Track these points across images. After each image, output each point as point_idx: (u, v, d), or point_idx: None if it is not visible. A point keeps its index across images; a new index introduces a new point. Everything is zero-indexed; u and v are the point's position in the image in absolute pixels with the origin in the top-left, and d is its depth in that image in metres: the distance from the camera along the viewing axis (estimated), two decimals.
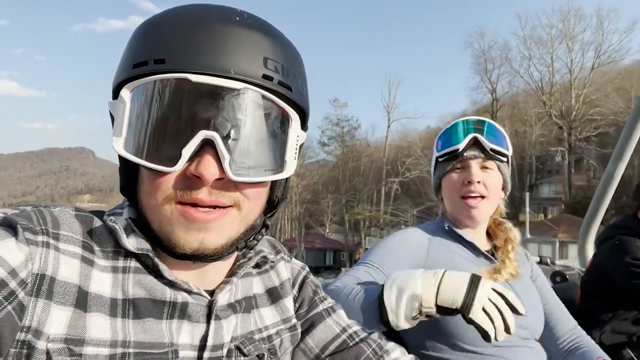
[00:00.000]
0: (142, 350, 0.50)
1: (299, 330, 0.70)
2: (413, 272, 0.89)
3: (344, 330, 0.72)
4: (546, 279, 1.36)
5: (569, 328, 1.29)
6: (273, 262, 0.70)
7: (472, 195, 1.19)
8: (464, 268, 1.17)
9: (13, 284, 0.44)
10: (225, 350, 0.57)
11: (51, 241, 0.49)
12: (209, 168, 0.48)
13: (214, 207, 0.50)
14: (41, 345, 0.45)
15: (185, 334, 0.54)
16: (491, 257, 1.24)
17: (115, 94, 0.50)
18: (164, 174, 0.49)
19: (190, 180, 0.49)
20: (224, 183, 0.50)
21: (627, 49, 30.45)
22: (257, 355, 0.60)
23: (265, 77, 0.49)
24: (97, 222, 0.55)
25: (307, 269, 0.77)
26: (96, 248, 0.53)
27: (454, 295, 0.83)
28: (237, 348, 0.59)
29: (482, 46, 34.11)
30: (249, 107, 0.49)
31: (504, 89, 34.27)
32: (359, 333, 0.73)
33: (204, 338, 0.56)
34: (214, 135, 0.47)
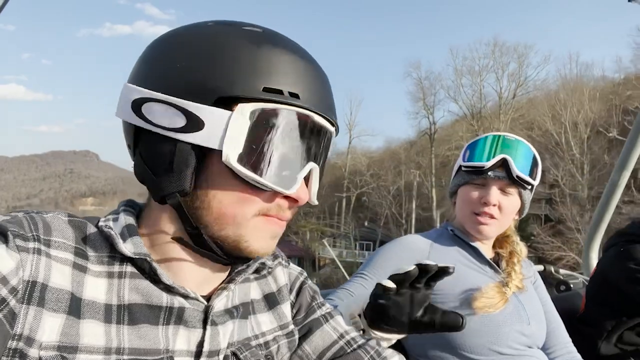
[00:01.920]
0: (137, 357, 0.50)
1: (297, 336, 0.69)
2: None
3: (341, 336, 0.71)
4: (545, 290, 1.36)
5: (562, 341, 1.28)
6: (271, 268, 0.70)
7: (485, 215, 1.19)
8: (466, 276, 1.17)
9: (4, 292, 0.44)
10: (221, 357, 0.57)
11: (42, 248, 0.49)
12: (306, 193, 0.56)
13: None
14: (33, 353, 0.45)
15: (182, 340, 0.54)
16: (495, 265, 1.23)
17: (218, 102, 0.50)
18: (257, 189, 0.53)
19: (282, 200, 0.55)
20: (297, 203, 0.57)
21: (543, 79, 34.73)
22: None
23: (336, 124, 0.60)
24: (91, 228, 0.55)
25: (305, 274, 0.76)
26: (90, 254, 0.53)
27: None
28: (234, 354, 0.58)
29: (420, 75, 39.14)
30: (329, 147, 0.59)
31: (439, 114, 39.46)
32: (357, 339, 0.72)
33: (200, 344, 0.55)
34: (316, 167, 0.56)
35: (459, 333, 1.08)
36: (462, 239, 1.24)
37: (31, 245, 0.48)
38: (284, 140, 0.52)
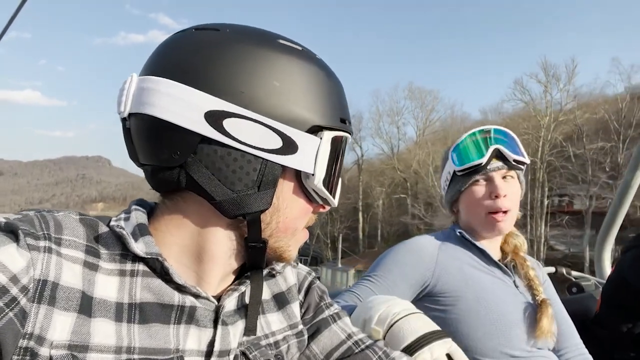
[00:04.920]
0: (147, 356, 0.50)
1: (306, 336, 0.68)
2: (383, 300, 0.83)
3: (349, 336, 0.70)
4: (555, 291, 1.33)
5: (574, 343, 1.26)
6: (280, 272, 0.69)
7: (500, 210, 1.17)
8: (473, 277, 1.15)
9: (14, 291, 0.44)
10: (231, 357, 0.57)
11: (53, 246, 0.48)
12: None
13: None
14: (44, 351, 0.45)
15: (193, 339, 0.54)
16: (503, 266, 1.21)
17: (309, 129, 0.54)
18: (312, 203, 0.58)
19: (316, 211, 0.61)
20: None
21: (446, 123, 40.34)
22: None
23: None
24: (103, 227, 0.54)
25: (313, 274, 0.75)
26: (102, 252, 0.52)
27: (396, 345, 0.73)
28: (243, 354, 0.58)
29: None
30: None
31: (366, 147, 46.28)
32: (365, 340, 0.71)
33: (211, 343, 0.55)
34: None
35: (470, 335, 1.07)
36: (469, 240, 1.22)
37: (42, 243, 0.48)
38: (340, 163, 0.58)
